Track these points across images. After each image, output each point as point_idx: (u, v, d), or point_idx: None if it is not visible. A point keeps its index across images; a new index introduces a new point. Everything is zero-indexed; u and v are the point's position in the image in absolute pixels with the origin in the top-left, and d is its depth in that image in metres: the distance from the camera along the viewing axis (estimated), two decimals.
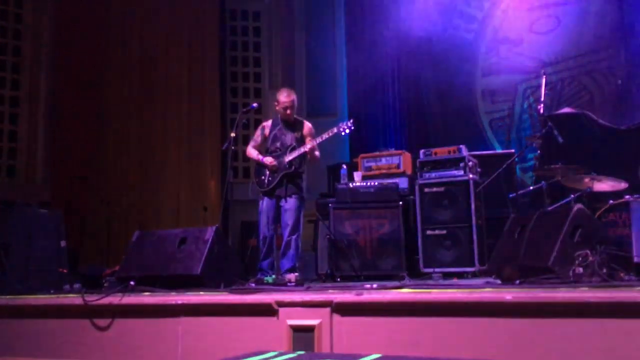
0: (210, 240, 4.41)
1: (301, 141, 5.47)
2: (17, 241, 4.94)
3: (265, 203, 5.42)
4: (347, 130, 5.44)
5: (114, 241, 8.56)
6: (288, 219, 5.34)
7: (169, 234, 4.75)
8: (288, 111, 5.51)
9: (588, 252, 3.45)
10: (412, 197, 6.06)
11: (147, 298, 3.78)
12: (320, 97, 9.97)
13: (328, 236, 5.82)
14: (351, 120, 5.51)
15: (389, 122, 9.44)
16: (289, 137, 5.50)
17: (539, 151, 6.36)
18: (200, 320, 3.48)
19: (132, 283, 3.98)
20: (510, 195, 5.94)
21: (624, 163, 5.89)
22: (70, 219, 6.99)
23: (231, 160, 5.50)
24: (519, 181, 7.08)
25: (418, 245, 5.82)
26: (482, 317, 2.86)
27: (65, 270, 5.10)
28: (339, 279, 5.62)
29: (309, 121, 5.72)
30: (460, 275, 5.48)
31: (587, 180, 5.00)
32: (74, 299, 3.89)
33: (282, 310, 3.25)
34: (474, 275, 5.46)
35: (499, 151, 7.37)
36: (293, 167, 5.39)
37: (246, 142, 5.97)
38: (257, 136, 5.70)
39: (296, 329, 3.18)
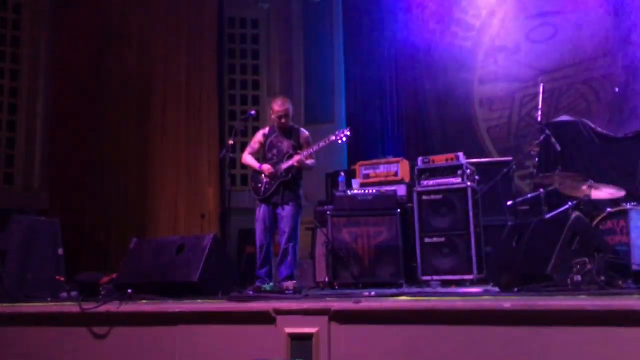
0: (207, 247, 4.39)
1: (298, 149, 5.48)
2: (14, 249, 4.92)
3: (262, 210, 5.42)
4: (344, 138, 5.45)
5: (112, 249, 8.55)
6: (285, 226, 5.34)
7: (167, 241, 4.74)
8: (283, 119, 5.52)
9: (586, 260, 3.45)
10: (410, 204, 6.05)
11: (145, 306, 3.77)
12: (319, 104, 9.96)
13: (326, 243, 5.80)
14: (348, 128, 5.54)
15: (387, 130, 9.44)
16: (286, 145, 5.51)
17: (536, 159, 6.38)
18: (198, 328, 3.46)
19: (129, 291, 3.97)
20: (508, 203, 5.94)
21: (621, 171, 5.92)
22: (68, 226, 6.96)
23: (229, 167, 5.51)
24: (516, 189, 7.08)
25: (416, 253, 5.79)
26: (480, 325, 2.85)
27: (62, 278, 5.07)
28: (337, 287, 5.61)
29: (307, 128, 5.73)
30: (458, 283, 5.47)
31: (584, 187, 5.01)
32: (71, 306, 3.87)
33: (279, 318, 3.24)
34: (472, 282, 5.45)
35: (497, 159, 7.37)
36: (290, 175, 5.39)
37: (244, 150, 5.98)
38: (254, 143, 5.72)
39: (294, 337, 3.17)
